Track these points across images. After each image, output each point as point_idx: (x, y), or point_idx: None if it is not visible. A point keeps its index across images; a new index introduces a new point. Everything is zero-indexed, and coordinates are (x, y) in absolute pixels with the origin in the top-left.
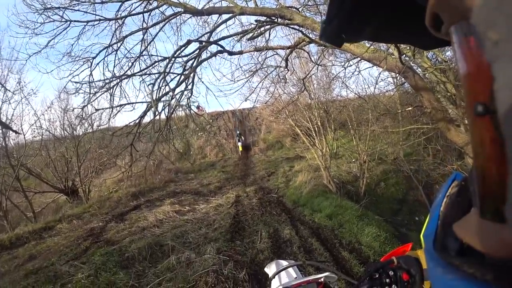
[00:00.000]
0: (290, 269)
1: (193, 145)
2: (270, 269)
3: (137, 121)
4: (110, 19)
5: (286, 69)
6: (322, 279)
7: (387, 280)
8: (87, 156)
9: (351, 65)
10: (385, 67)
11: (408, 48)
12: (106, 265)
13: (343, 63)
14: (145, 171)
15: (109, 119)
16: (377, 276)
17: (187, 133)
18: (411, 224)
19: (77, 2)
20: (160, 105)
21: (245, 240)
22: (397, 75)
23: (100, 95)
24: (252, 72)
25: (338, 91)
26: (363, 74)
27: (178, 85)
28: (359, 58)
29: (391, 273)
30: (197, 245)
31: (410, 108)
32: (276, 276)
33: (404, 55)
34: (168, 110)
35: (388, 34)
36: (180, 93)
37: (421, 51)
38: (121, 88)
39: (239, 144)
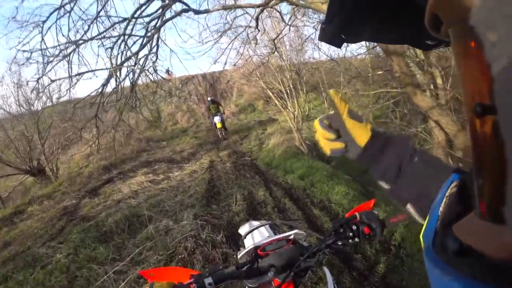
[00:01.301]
0: (263, 229)
1: (163, 112)
2: (244, 230)
3: (100, 90)
4: None
5: (257, 29)
6: (291, 236)
7: (351, 234)
8: (50, 132)
9: None
10: None
11: None
12: (85, 241)
13: (315, 24)
14: (114, 143)
15: (68, 90)
16: (341, 230)
17: (155, 100)
18: (377, 182)
19: None
20: (124, 71)
21: (220, 204)
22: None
23: (56, 63)
24: (220, 33)
25: (311, 53)
26: None
27: (141, 48)
28: None
29: (354, 227)
30: (174, 212)
31: (380, 72)
32: (249, 236)
33: None
34: (132, 76)
35: (387, 35)
36: (144, 58)
37: None
38: (78, 55)
39: (217, 120)
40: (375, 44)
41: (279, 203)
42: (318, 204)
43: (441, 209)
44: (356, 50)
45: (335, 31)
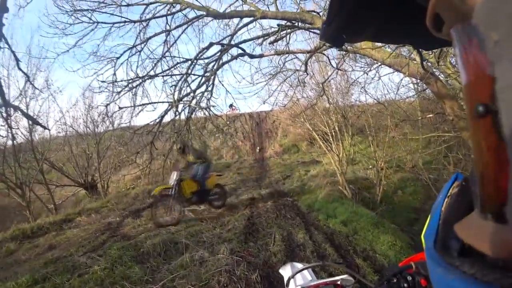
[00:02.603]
0: (305, 272)
1: (210, 146)
2: (285, 271)
3: (158, 120)
4: (134, 21)
5: (305, 73)
6: (339, 282)
7: (405, 285)
8: (107, 153)
9: (371, 70)
10: (407, 73)
11: (430, 53)
12: (122, 258)
13: (363, 68)
14: (163, 170)
15: (131, 117)
16: (395, 280)
17: (204, 134)
18: None
19: (105, 5)
20: (180, 106)
21: (258, 242)
22: (419, 81)
23: (123, 94)
24: (271, 76)
25: (357, 96)
26: (383, 80)
27: (199, 86)
28: (379, 63)
29: (409, 278)
30: (211, 244)
31: (431, 115)
32: (292, 279)
33: (426, 61)
34: (188, 110)
35: (389, 35)
36: (200, 95)
37: (444, 56)
38: (143, 88)
39: (174, 177)
40: (425, 87)
41: (319, 247)
42: (361, 253)
43: (442, 209)
44: (405, 93)
45: (336, 31)
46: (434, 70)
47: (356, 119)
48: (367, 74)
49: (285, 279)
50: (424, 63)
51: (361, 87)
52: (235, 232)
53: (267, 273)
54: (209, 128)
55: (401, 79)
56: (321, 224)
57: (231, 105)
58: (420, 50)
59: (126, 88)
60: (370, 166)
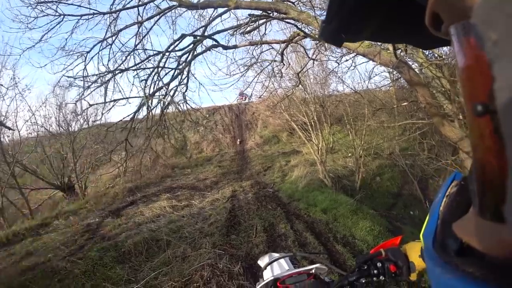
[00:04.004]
0: (282, 261)
1: (189, 140)
2: (263, 261)
3: (132, 116)
4: (104, 13)
5: (281, 63)
6: (313, 270)
7: (375, 271)
8: (83, 152)
9: (347, 60)
10: (379, 62)
11: None
12: (103, 260)
13: (338, 58)
14: (141, 167)
15: (102, 114)
16: (365, 267)
17: (183, 128)
18: (405, 218)
19: None
20: (155, 100)
21: (240, 234)
22: (393, 70)
23: (94, 89)
24: (247, 67)
25: (335, 86)
26: (359, 69)
27: (172, 79)
28: (354, 53)
29: (379, 264)
30: (193, 239)
31: (405, 103)
32: (269, 268)
33: (400, 50)
34: (162, 105)
35: (388, 34)
36: (174, 88)
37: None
38: (115, 83)
39: None
40: (399, 75)
41: (300, 236)
42: (341, 240)
43: (441, 208)
44: (380, 82)
45: (335, 30)
46: (407, 59)
47: (334, 109)
48: (338, 64)
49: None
50: (397, 52)
51: (338, 77)
52: (217, 226)
53: (249, 264)
54: (187, 122)
55: (373, 68)
56: (302, 213)
57: (241, 93)
58: None
59: (97, 83)
60: (349, 154)
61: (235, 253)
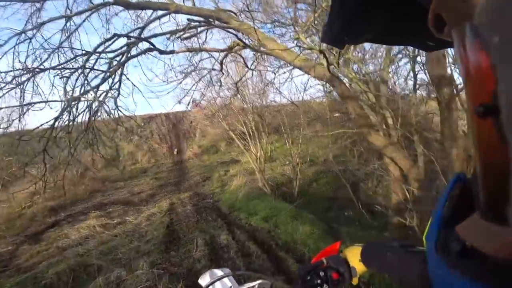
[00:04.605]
0: (225, 280)
1: (122, 150)
2: (204, 280)
3: (51, 122)
4: (25, 1)
5: (221, 72)
6: (256, 287)
7: (319, 281)
8: None
9: (284, 72)
10: (314, 75)
11: (335, 58)
12: None
13: (275, 69)
14: (64, 181)
15: (19, 120)
16: (308, 278)
17: (115, 137)
18: (341, 219)
19: None
20: (82, 106)
21: (180, 250)
22: (326, 83)
23: (8, 91)
24: (185, 74)
25: (272, 96)
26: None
27: (101, 82)
28: (291, 66)
29: (321, 273)
30: (128, 260)
31: (337, 114)
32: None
33: (332, 66)
34: (89, 111)
35: (390, 36)
36: (104, 93)
37: (347, 62)
38: (33, 84)
39: None
40: (332, 89)
41: (242, 247)
42: (283, 246)
43: (444, 210)
44: (315, 94)
45: (337, 33)
46: (339, 74)
47: (272, 119)
48: (275, 75)
49: None
50: (330, 67)
51: (276, 88)
52: (155, 243)
53: (192, 282)
54: (120, 130)
55: (307, 80)
56: (243, 222)
57: (194, 101)
58: (327, 55)
59: (12, 84)
60: (287, 162)
61: (176, 271)
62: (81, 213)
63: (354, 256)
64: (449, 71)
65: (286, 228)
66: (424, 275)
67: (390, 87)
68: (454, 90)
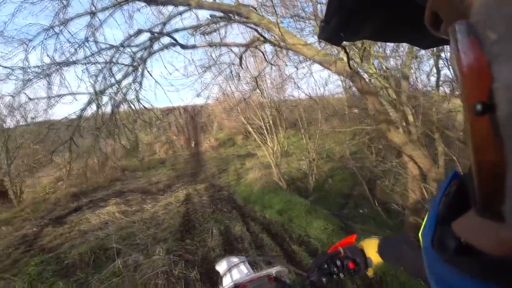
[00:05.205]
0: (241, 265)
1: (141, 141)
2: (221, 267)
3: (78, 113)
4: None
5: (240, 66)
6: (273, 273)
7: (335, 269)
8: (19, 152)
9: (303, 67)
10: (334, 70)
11: (356, 54)
12: (42, 275)
13: (295, 64)
14: (87, 169)
15: (46, 110)
16: (325, 266)
17: (135, 128)
18: (356, 216)
19: None
20: (105, 98)
21: (195, 238)
22: (345, 78)
23: (36, 82)
24: (205, 68)
25: (291, 91)
26: (315, 76)
27: (125, 76)
28: (311, 61)
29: (338, 262)
30: (145, 246)
31: (356, 110)
32: (228, 273)
33: (352, 61)
34: (114, 103)
35: (387, 33)
36: (127, 86)
37: (368, 58)
38: (61, 77)
39: None
40: (351, 84)
41: (256, 238)
42: (297, 239)
43: (440, 207)
44: (334, 89)
45: (334, 30)
46: (359, 69)
47: (289, 113)
48: (297, 69)
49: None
50: (351, 62)
51: (294, 83)
52: (171, 231)
53: (206, 269)
54: (140, 122)
55: (329, 76)
56: (257, 215)
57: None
58: (348, 50)
59: (40, 76)
60: (303, 157)
61: (191, 258)
62: (101, 199)
63: (370, 247)
64: None
65: (300, 222)
66: None
67: (412, 83)
68: None
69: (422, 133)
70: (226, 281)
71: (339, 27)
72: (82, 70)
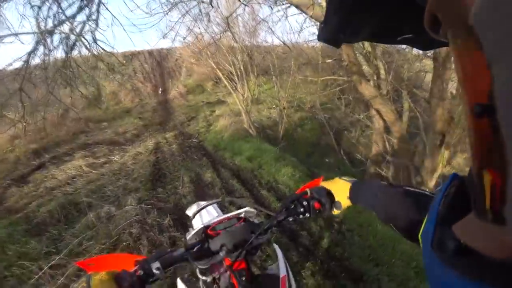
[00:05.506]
0: (211, 208)
1: (104, 90)
2: (191, 211)
3: (25, 58)
4: None
5: (210, 5)
6: (242, 214)
7: (301, 210)
8: None
9: (279, 11)
10: (311, 14)
11: None
12: (13, 236)
13: (270, 4)
14: (45, 122)
15: None
16: (292, 207)
17: (96, 75)
18: (322, 165)
19: None
20: (56, 39)
21: (167, 187)
22: (322, 24)
23: None
24: (171, 5)
25: (264, 36)
26: (290, 21)
27: (77, 11)
28: (287, 4)
29: (304, 203)
30: (117, 198)
31: (330, 60)
32: (197, 216)
33: None
34: (66, 45)
35: (386, 35)
36: (81, 24)
37: None
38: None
39: None
40: None
41: (227, 184)
42: (266, 185)
43: (440, 208)
44: (309, 36)
45: (333, 31)
46: None
47: (261, 60)
48: (272, 9)
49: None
50: None
51: (268, 27)
52: (141, 181)
53: (179, 216)
54: (100, 68)
55: (305, 19)
56: (227, 162)
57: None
58: None
59: None
60: (274, 106)
61: (163, 206)
62: (65, 154)
63: (341, 191)
64: None
65: (269, 169)
66: (413, 216)
67: None
68: None
69: (392, 89)
70: (196, 224)
71: (339, 28)
72: (23, 4)
